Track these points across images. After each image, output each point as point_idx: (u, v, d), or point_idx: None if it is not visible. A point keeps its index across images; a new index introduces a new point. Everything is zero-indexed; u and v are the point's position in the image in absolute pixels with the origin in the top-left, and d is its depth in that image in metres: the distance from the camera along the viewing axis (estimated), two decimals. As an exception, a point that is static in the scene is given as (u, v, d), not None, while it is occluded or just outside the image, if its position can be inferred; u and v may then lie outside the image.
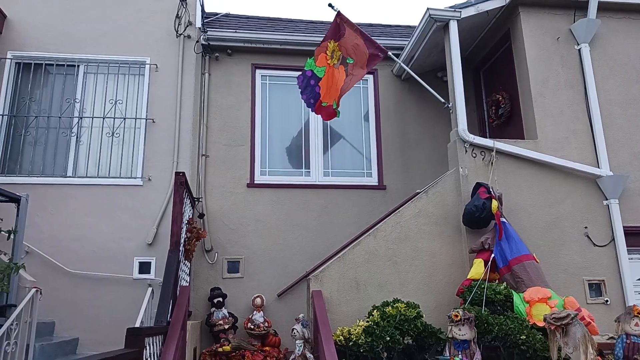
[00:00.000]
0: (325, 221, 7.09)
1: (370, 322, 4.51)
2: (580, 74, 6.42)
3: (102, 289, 6.32)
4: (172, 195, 5.99)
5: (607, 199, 5.98)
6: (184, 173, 5.41)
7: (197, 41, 7.31)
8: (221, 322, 6.20)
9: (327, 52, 6.13)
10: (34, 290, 4.95)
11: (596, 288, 5.75)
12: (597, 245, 5.85)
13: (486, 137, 6.78)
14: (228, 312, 6.36)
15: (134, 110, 7.09)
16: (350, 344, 4.42)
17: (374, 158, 7.54)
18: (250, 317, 6.38)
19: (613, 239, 5.87)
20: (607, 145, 6.15)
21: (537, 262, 5.20)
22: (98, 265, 6.41)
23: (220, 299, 6.37)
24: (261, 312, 6.43)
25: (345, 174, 7.44)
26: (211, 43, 7.35)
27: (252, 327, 6.27)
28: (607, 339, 4.88)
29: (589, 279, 5.75)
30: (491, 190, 5.52)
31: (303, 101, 6.34)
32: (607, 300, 5.66)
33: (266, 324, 6.32)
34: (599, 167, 6.04)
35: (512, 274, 5.13)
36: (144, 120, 7.02)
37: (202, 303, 6.51)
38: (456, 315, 4.43)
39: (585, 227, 5.90)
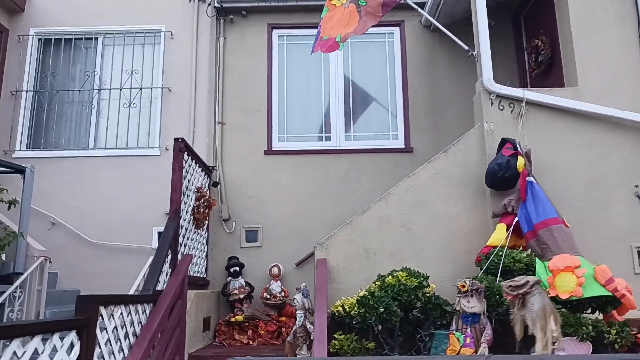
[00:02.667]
0: (347, 188, 6.71)
1: (366, 293, 4.14)
2: (633, 4, 5.46)
3: (123, 259, 6.40)
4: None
5: (663, 152, 5.11)
6: (183, 139, 5.23)
7: (210, 4, 7.05)
8: (236, 291, 6.08)
9: None
10: (41, 259, 5.04)
11: (647, 256, 4.97)
12: (649, 207, 5.03)
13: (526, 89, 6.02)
14: (245, 282, 6.23)
15: (151, 79, 7.01)
16: (344, 315, 4.09)
17: (400, 118, 6.99)
18: (267, 286, 6.21)
19: (670, 199, 5.02)
20: (666, 89, 5.22)
21: (566, 226, 4.53)
22: (119, 236, 6.49)
23: (237, 268, 6.24)
24: (278, 281, 6.23)
25: (369, 137, 6.97)
26: (225, 5, 7.06)
27: (268, 296, 6.10)
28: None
29: (639, 246, 4.97)
30: (518, 145, 4.86)
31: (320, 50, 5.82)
32: (660, 270, 4.88)
33: (283, 294, 6.12)
34: (654, 115, 5.15)
35: (537, 239, 4.51)
36: (160, 89, 6.93)
37: (220, 272, 6.42)
38: (463, 286, 3.95)
39: (637, 186, 5.08)
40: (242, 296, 6.04)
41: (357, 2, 5.55)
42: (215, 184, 6.50)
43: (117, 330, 3.43)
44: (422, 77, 7.08)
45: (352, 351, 3.96)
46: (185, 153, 5.40)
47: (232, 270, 6.22)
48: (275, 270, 6.25)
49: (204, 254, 6.24)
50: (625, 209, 5.05)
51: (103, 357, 3.21)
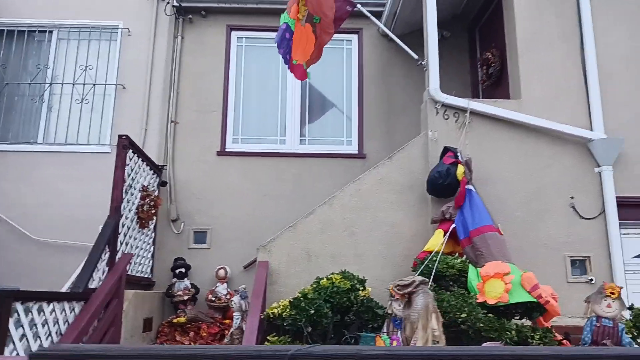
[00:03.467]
0: (299, 191, 6.72)
1: (299, 295, 4.15)
2: (577, 24, 5.65)
3: (67, 257, 6.24)
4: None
5: (599, 166, 5.28)
6: (127, 136, 5.18)
7: (168, 2, 7.01)
8: (181, 292, 6.01)
9: (300, 3, 5.65)
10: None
11: (580, 265, 5.11)
12: (584, 218, 5.19)
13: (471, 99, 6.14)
14: (190, 283, 6.16)
15: (105, 76, 6.92)
16: (277, 317, 4.08)
17: (354, 125, 7.05)
18: (213, 289, 6.16)
19: (603, 211, 5.19)
20: (604, 105, 5.40)
21: (500, 234, 4.64)
22: (65, 233, 6.35)
23: (183, 270, 6.18)
24: (225, 284, 6.19)
25: (323, 142, 7.01)
26: (184, 4, 7.03)
27: (214, 299, 6.05)
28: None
29: (572, 255, 5.12)
30: (459, 154, 4.96)
31: (280, 56, 5.87)
32: (591, 279, 5.02)
33: (228, 296, 6.07)
34: (591, 130, 5.32)
35: (472, 246, 4.60)
36: (115, 86, 6.84)
37: (166, 273, 6.33)
38: (393, 289, 3.99)
39: (572, 198, 5.24)
40: (186, 298, 5.98)
41: (312, 20, 5.61)
42: (164, 184, 6.43)
43: (36, 327, 3.36)
44: (378, 84, 7.17)
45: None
46: (131, 150, 5.35)
47: (177, 271, 6.15)
48: (221, 272, 6.21)
49: (150, 254, 6.17)
50: (561, 220, 5.20)
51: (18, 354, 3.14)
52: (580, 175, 5.29)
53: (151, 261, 6.22)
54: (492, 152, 5.31)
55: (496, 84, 6.32)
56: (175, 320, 5.71)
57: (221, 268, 6.22)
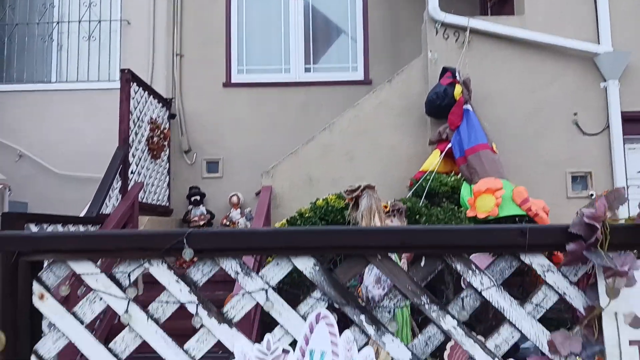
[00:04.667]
0: (305, 120, 6.80)
1: (296, 214, 4.36)
2: None
3: (87, 189, 6.61)
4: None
5: (604, 81, 5.15)
6: (129, 70, 5.31)
7: None
8: (197, 218, 6.35)
9: None
10: (0, 186, 5.26)
11: (581, 181, 5.14)
12: (587, 134, 5.15)
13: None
14: (206, 210, 6.48)
15: (110, 12, 6.96)
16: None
17: (359, 50, 6.96)
18: (227, 214, 6.47)
19: (607, 127, 5.12)
20: (612, 18, 5.18)
21: (494, 152, 4.68)
22: (84, 167, 6.69)
23: (198, 197, 6.48)
24: (238, 209, 6.48)
25: (328, 69, 6.98)
26: None
27: (228, 223, 6.37)
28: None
29: (573, 171, 5.13)
30: (457, 74, 4.92)
31: None
32: (592, 194, 5.06)
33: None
34: (598, 44, 5.15)
35: (467, 164, 4.67)
36: (119, 22, 6.90)
37: (182, 201, 6.66)
38: (385, 206, 4.14)
39: (575, 114, 5.17)
40: (202, 223, 6.32)
41: None
42: (173, 116, 6.61)
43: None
44: (383, 8, 6.98)
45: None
46: (135, 84, 5.49)
47: (193, 199, 6.46)
48: (234, 199, 6.48)
49: (165, 183, 6.46)
50: (563, 136, 5.17)
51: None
52: (584, 91, 5.19)
53: (167, 190, 6.52)
54: (492, 71, 5.24)
55: (503, 1, 6.08)
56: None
57: (234, 195, 6.49)
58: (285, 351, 1.26)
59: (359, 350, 1.26)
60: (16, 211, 6.12)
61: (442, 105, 4.90)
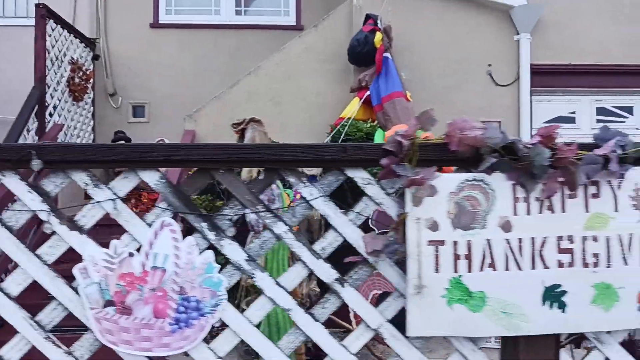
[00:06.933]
0: (236, 65, 6.71)
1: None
2: None
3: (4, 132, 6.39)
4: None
5: (518, 34, 5.40)
6: (44, 5, 5.06)
7: None
8: (123, 163, 6.29)
9: None
10: None
11: (491, 130, 5.44)
12: (499, 85, 5.43)
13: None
14: (133, 155, 6.42)
15: (26, -58, 6.52)
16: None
17: (292, -6, 6.90)
18: (155, 159, 6.44)
19: (518, 78, 5.41)
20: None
21: (408, 100, 4.88)
22: (3, 108, 6.41)
23: (123, 142, 6.39)
24: (166, 155, 6.46)
25: (260, 13, 6.90)
26: None
27: (155, 169, 6.36)
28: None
29: (485, 121, 5.34)
30: (378, 22, 5.02)
31: None
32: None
33: (169, 166, 6.38)
34: (514, -3, 5.36)
35: (383, 111, 4.86)
36: (37, -47, 6.48)
37: (109, 146, 6.55)
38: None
39: (489, 65, 5.42)
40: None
41: None
42: (97, 57, 6.40)
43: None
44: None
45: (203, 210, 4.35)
46: (52, 21, 5.26)
47: (118, 143, 6.37)
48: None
49: (90, 127, 6.33)
50: (478, 87, 5.43)
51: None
52: (499, 43, 5.42)
53: (92, 134, 6.40)
54: (414, 20, 5.36)
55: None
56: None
57: (160, 140, 6.43)
58: (131, 254, 1.39)
59: (200, 253, 1.41)
60: None
61: (363, 52, 5.01)
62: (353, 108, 4.94)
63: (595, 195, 1.43)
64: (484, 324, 1.40)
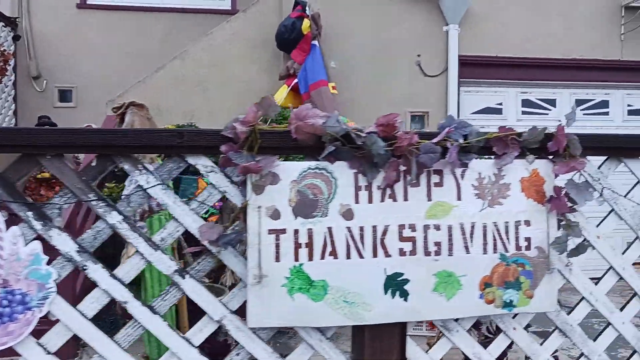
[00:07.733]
0: (168, 50, 6.46)
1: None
2: None
3: None
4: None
5: (447, 25, 5.46)
6: (-50, -21, 4.74)
7: None
8: (46, 150, 6.02)
9: None
10: None
11: (419, 120, 5.52)
12: (427, 76, 5.49)
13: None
14: (58, 141, 6.15)
15: None
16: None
17: (226, -22, 6.75)
18: (81, 146, 6.19)
19: (446, 69, 5.49)
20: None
21: (332, 90, 4.86)
22: None
23: (48, 127, 6.11)
24: (94, 141, 6.22)
25: (194, -4, 6.72)
26: None
27: (78, 155, 6.11)
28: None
29: (413, 111, 5.49)
30: (306, 8, 4.96)
31: None
32: (428, 132, 5.46)
33: (96, 153, 6.15)
34: (442, -13, 5.41)
35: (310, 100, 4.82)
36: None
37: (32, 132, 6.26)
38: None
39: (418, 56, 5.47)
40: (52, 155, 6.00)
41: None
42: (18, 37, 6.07)
43: None
44: None
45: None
46: (-39, -3, 4.93)
47: (42, 129, 6.09)
48: (89, 130, 6.20)
49: (11, 111, 6.04)
50: (406, 77, 5.47)
51: None
52: (428, 33, 5.47)
53: (13, 119, 6.09)
54: (343, 8, 5.33)
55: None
56: (39, 176, 5.79)
57: (88, 126, 6.18)
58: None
59: (26, 244, 1.33)
60: None
61: (290, 39, 4.94)
62: (281, 96, 4.87)
63: (438, 184, 1.44)
64: (325, 313, 1.39)
